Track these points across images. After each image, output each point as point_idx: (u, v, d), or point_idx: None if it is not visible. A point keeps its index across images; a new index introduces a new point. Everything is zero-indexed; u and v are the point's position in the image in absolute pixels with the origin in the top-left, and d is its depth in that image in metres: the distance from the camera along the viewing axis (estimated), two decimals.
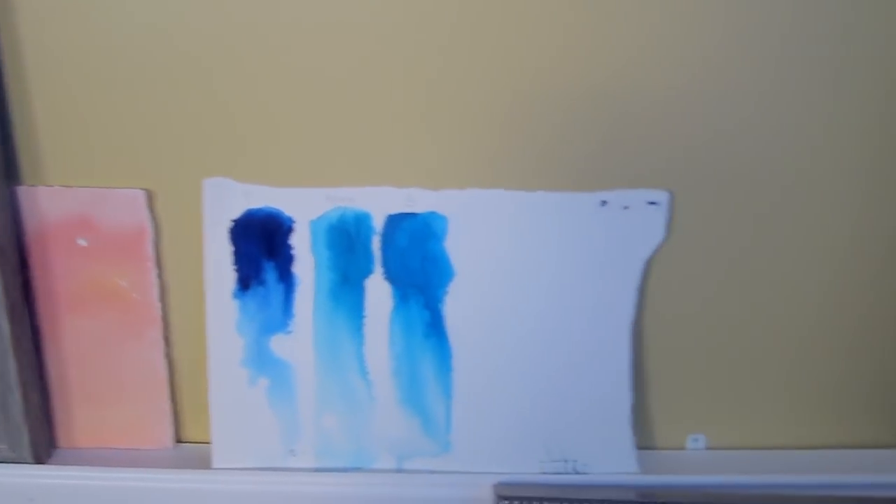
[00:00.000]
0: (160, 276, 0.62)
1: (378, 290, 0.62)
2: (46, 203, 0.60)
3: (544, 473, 0.64)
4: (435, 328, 0.63)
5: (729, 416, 0.67)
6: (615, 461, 0.64)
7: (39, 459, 0.64)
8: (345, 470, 0.65)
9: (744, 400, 0.66)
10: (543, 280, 0.60)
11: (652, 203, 0.59)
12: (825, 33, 0.55)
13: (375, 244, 0.61)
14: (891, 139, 0.58)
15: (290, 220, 0.61)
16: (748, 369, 0.65)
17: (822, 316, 0.64)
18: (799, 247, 0.61)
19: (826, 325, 0.64)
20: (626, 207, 0.59)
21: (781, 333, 0.64)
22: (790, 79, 0.56)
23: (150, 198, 0.60)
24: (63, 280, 0.62)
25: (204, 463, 0.65)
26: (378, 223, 0.61)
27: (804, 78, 0.56)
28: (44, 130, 0.59)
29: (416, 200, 0.60)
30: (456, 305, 0.62)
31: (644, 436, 0.66)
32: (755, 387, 0.66)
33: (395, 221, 0.61)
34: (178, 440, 0.68)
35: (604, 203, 0.59)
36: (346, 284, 0.62)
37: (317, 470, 0.64)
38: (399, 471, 0.65)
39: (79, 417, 0.66)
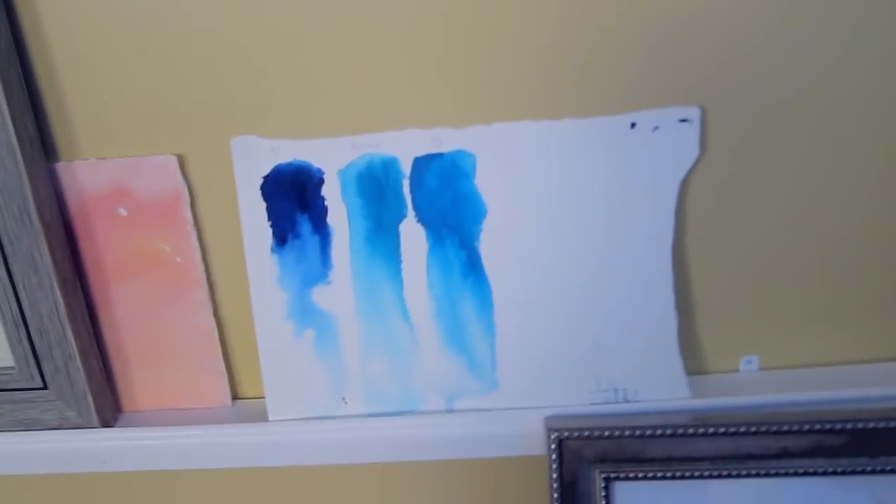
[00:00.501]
0: (200, 238, 0.64)
1: (412, 234, 0.62)
2: (84, 177, 0.61)
3: (594, 404, 0.64)
4: (472, 267, 0.62)
5: (781, 337, 0.65)
6: (666, 387, 0.63)
7: (106, 423, 0.67)
8: (395, 414, 0.66)
9: (794, 319, 0.65)
10: (578, 209, 0.59)
11: (683, 120, 0.57)
12: None
13: (405, 188, 0.61)
14: None
15: (320, 172, 0.61)
16: (795, 287, 0.63)
17: (866, 228, 0.61)
18: (837, 158, 0.59)
19: (869, 237, 0.61)
20: (656, 128, 0.57)
21: (826, 248, 0.62)
22: None
23: (182, 162, 0.61)
24: (108, 250, 0.64)
25: (261, 416, 0.66)
26: (406, 166, 0.60)
27: None
28: (74, 105, 0.60)
29: (442, 140, 0.60)
30: (491, 243, 0.61)
31: (695, 361, 0.65)
32: (804, 304, 0.64)
33: (422, 163, 0.60)
34: (235, 397, 0.70)
35: (633, 125, 0.57)
36: (380, 230, 0.62)
37: (368, 415, 0.66)
38: (449, 411, 0.65)
39: (139, 381, 0.68)
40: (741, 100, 0.57)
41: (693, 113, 0.57)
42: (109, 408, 0.67)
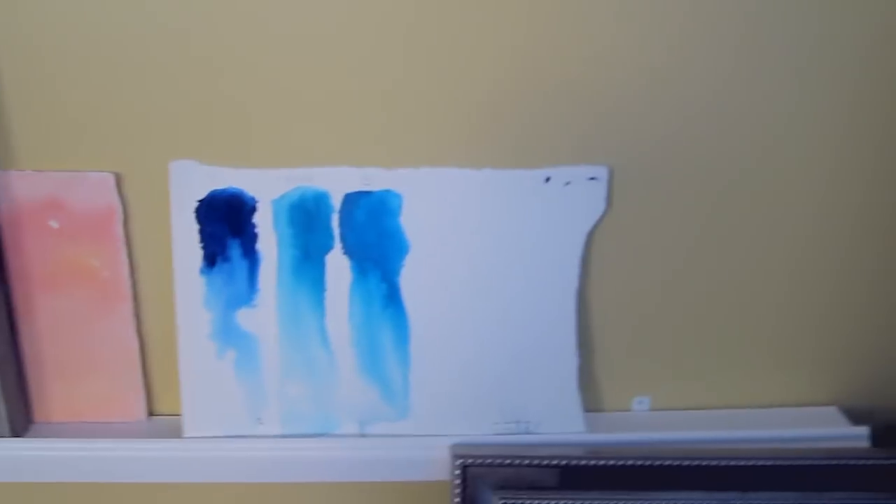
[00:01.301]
0: (130, 255, 0.65)
1: (338, 265, 0.65)
2: (19, 187, 0.62)
3: (498, 434, 0.68)
4: (392, 300, 0.66)
5: (671, 380, 0.71)
6: (564, 422, 0.68)
7: (17, 433, 0.66)
8: (309, 436, 0.68)
9: (683, 365, 0.71)
10: (493, 252, 0.64)
11: (592, 178, 0.63)
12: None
13: (334, 221, 0.65)
14: (827, 118, 0.62)
15: (253, 200, 0.64)
16: (686, 336, 0.70)
17: (757, 279, 0.68)
18: (728, 215, 0.66)
19: (761, 288, 0.68)
20: (567, 183, 0.63)
21: (719, 298, 0.69)
22: (715, 60, 0.61)
23: (119, 180, 0.63)
24: (36, 261, 0.64)
25: (175, 433, 0.67)
26: (336, 201, 0.64)
27: (731, 57, 0.60)
28: (15, 115, 0.61)
29: (373, 179, 0.64)
30: (412, 278, 0.65)
31: (592, 399, 0.70)
32: (693, 352, 0.70)
33: (352, 199, 0.64)
34: (151, 413, 0.70)
35: (547, 179, 0.63)
36: (308, 260, 0.66)
37: (283, 436, 0.68)
38: (361, 436, 0.68)
39: (54, 392, 0.68)
40: (644, 162, 0.63)
41: (601, 172, 0.63)
42: (21, 417, 0.67)
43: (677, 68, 0.60)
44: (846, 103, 0.62)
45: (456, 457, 0.65)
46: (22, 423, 0.68)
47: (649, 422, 0.71)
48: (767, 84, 0.61)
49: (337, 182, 0.64)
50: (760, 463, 0.65)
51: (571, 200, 0.63)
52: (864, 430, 0.69)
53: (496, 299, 0.65)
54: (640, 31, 0.59)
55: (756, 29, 0.59)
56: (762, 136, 0.63)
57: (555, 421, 0.68)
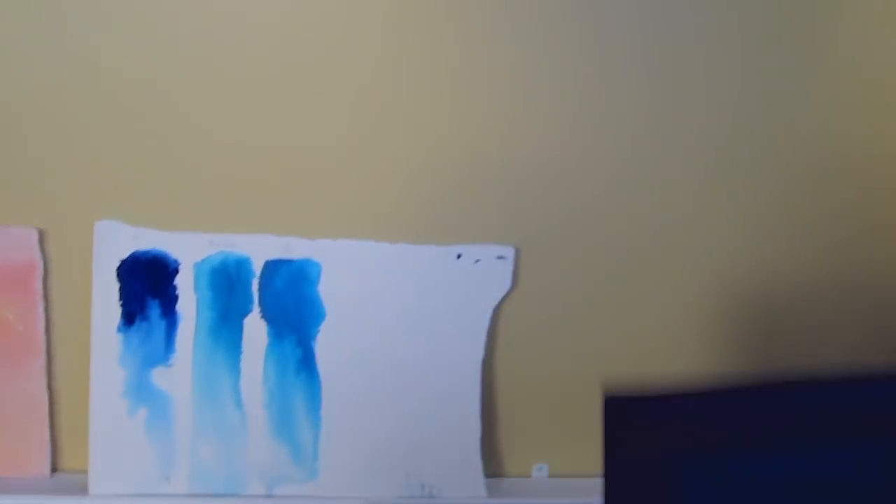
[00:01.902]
0: (47, 310, 0.66)
1: (255, 329, 0.68)
2: None
3: (402, 497, 0.70)
4: (306, 364, 0.69)
5: (570, 447, 0.75)
6: (466, 486, 0.71)
7: None
8: (216, 496, 0.68)
9: (584, 431, 0.75)
10: (405, 322, 0.68)
11: (501, 257, 0.68)
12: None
13: (254, 286, 0.67)
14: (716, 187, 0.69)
15: (176, 262, 0.66)
16: (583, 407, 0.74)
17: (653, 348, 0.72)
18: (630, 285, 0.71)
19: (657, 358, 0.73)
20: (477, 260, 0.68)
21: (616, 367, 0.72)
22: (613, 142, 0.67)
23: (42, 236, 0.64)
24: None
25: (82, 490, 0.67)
26: (257, 267, 0.67)
27: (629, 138, 0.67)
28: None
29: (293, 248, 0.67)
30: (326, 344, 0.68)
31: (494, 465, 0.74)
32: (594, 419, 0.74)
33: (273, 266, 0.67)
34: (58, 469, 0.70)
35: (459, 256, 0.67)
36: (226, 322, 0.68)
37: (190, 495, 0.68)
38: (268, 496, 0.69)
39: None
40: (548, 239, 0.68)
41: (509, 252, 0.68)
42: None
43: (578, 151, 0.66)
44: (739, 180, 0.69)
45: None
46: None
47: (548, 488, 0.74)
48: (661, 164, 0.68)
49: (259, 249, 0.67)
50: None
51: (480, 277, 0.68)
52: None
53: (405, 367, 0.69)
54: (545, 117, 0.65)
55: (649, 115, 0.66)
56: (658, 212, 0.69)
57: (457, 486, 0.71)
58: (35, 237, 0.64)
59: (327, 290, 0.67)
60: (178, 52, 0.62)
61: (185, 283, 0.67)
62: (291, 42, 0.63)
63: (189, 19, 0.62)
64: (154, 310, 0.67)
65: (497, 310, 0.69)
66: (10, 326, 0.66)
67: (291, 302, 0.67)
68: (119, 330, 0.67)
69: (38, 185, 0.64)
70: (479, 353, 0.69)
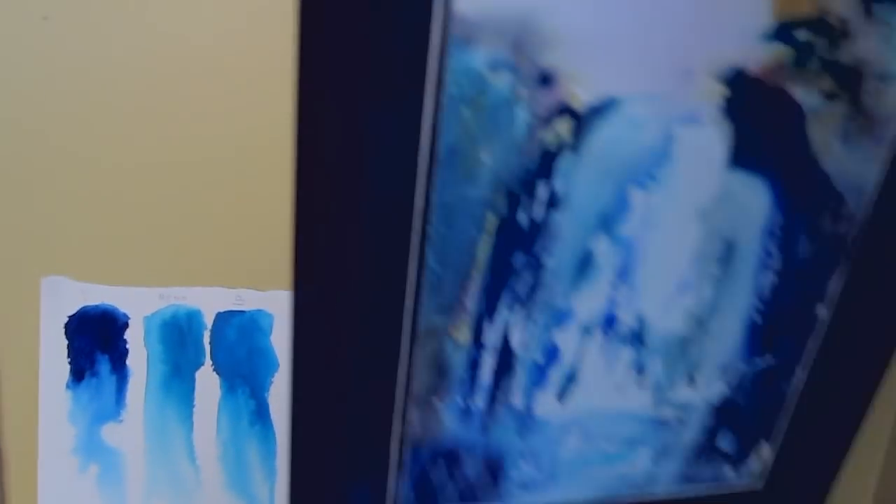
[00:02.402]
0: None
1: (207, 381, 0.65)
2: None
3: None
4: (260, 416, 0.68)
5: None
6: None
7: None
8: None
9: None
10: None
11: None
12: None
13: (206, 339, 0.66)
14: None
15: (125, 317, 0.65)
16: None
17: None
18: None
19: None
20: None
21: None
22: None
23: None
24: None
25: None
26: (209, 319, 0.66)
27: None
28: None
29: (245, 299, 0.66)
30: (280, 395, 0.68)
31: None
32: None
33: (224, 318, 0.66)
34: None
35: None
36: (177, 376, 0.67)
37: None
38: None
39: None
40: None
41: None
42: None
43: None
44: None
45: None
46: None
47: None
48: None
49: (210, 301, 0.66)
50: None
51: None
52: None
53: None
54: None
55: None
56: None
57: None
58: None
59: (280, 341, 0.66)
60: (116, 105, 0.61)
61: (135, 338, 0.64)
62: (237, 103, 0.62)
63: (131, 79, 0.61)
64: (104, 365, 0.65)
65: None
66: None
67: (244, 353, 0.65)
68: (68, 387, 0.64)
69: None
70: None
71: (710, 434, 0.69)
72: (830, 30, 0.52)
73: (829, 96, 0.55)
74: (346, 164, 0.46)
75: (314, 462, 0.55)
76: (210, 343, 0.66)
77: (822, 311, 0.66)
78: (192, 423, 0.67)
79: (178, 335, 0.66)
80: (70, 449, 0.66)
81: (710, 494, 0.74)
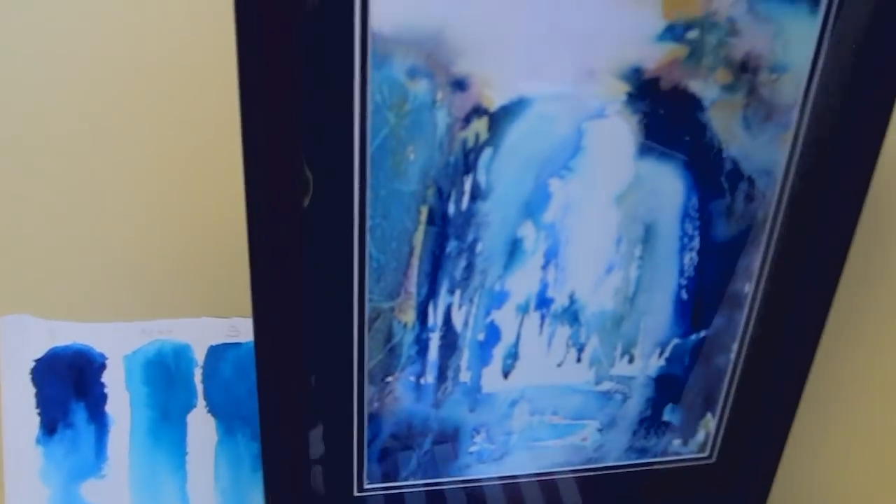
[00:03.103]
0: None
1: (201, 425, 0.62)
2: None
3: None
4: None
5: None
6: None
7: None
8: None
9: None
10: None
11: None
12: None
13: (197, 377, 0.61)
14: None
15: (102, 357, 0.60)
16: None
17: None
18: None
19: None
20: None
21: None
22: None
23: None
24: None
25: None
26: (199, 355, 0.61)
27: None
28: None
29: (241, 329, 0.61)
30: None
31: None
32: None
33: (218, 352, 0.61)
34: None
35: None
36: (166, 421, 0.62)
37: None
38: None
39: None
40: None
41: None
42: None
43: None
44: None
45: None
46: None
47: None
48: None
49: (200, 334, 0.60)
50: None
51: None
52: None
53: None
54: None
55: None
56: None
57: None
58: None
59: None
60: (82, 117, 0.57)
61: (114, 380, 0.60)
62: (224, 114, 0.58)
63: (107, 90, 0.58)
64: (80, 414, 0.60)
65: None
66: None
67: (242, 391, 0.62)
68: (38, 442, 0.60)
69: None
70: None
71: (655, 407, 0.75)
72: (718, 28, 0.58)
73: (727, 88, 0.61)
74: (290, 168, 0.53)
75: (283, 446, 0.61)
76: (202, 381, 0.62)
77: (748, 287, 0.72)
78: (185, 473, 0.62)
79: (166, 374, 0.61)
80: None
81: (665, 468, 0.79)
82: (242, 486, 0.62)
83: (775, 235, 0.70)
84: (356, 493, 0.66)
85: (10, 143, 0.53)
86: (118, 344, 0.59)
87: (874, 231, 0.77)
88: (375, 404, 0.64)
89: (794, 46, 0.61)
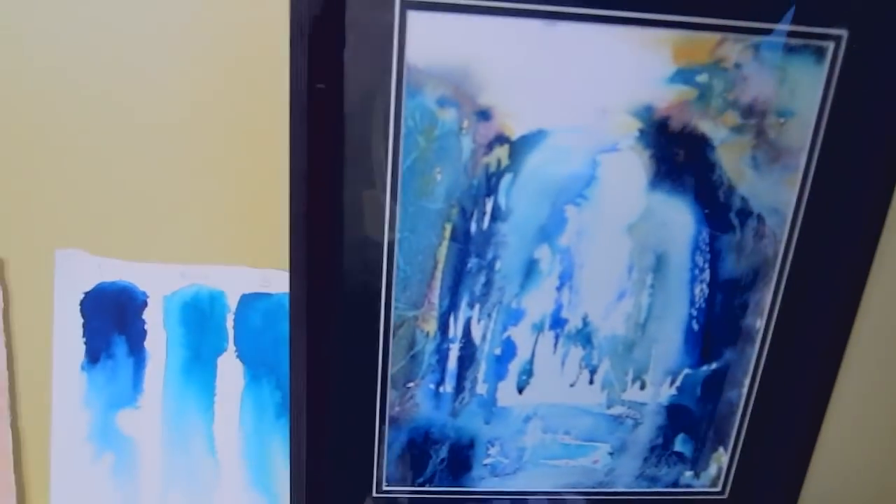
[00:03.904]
0: (9, 344, 0.64)
1: (230, 369, 0.66)
2: None
3: None
4: (287, 409, 0.67)
5: None
6: None
7: None
8: None
9: None
10: None
11: None
12: None
13: (229, 322, 0.65)
14: None
15: (144, 295, 0.65)
16: None
17: None
18: None
19: None
20: None
21: None
22: None
23: (2, 265, 0.63)
24: None
25: None
26: (232, 302, 0.65)
27: None
28: None
29: (272, 281, 0.65)
30: None
31: None
32: None
33: (249, 301, 0.65)
34: None
35: None
36: (198, 361, 0.66)
37: None
38: None
39: None
40: None
41: None
42: None
43: None
44: None
45: None
46: None
47: None
48: None
49: (234, 282, 0.65)
50: None
51: None
52: None
53: None
54: None
55: None
56: None
57: None
58: None
59: None
60: (144, 68, 0.60)
61: (153, 318, 0.65)
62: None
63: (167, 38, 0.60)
64: (120, 347, 0.65)
65: None
66: None
67: (269, 340, 0.66)
68: (83, 368, 0.65)
69: None
70: None
71: (666, 436, 0.79)
72: (725, 73, 0.65)
73: (735, 129, 0.68)
74: (331, 181, 0.61)
75: (311, 443, 0.67)
76: (233, 327, 0.65)
77: (759, 323, 0.77)
78: (213, 414, 0.67)
79: (200, 318, 0.65)
80: (84, 435, 0.67)
81: (676, 499, 0.83)
82: (265, 432, 0.67)
83: (786, 273, 0.75)
84: (375, 494, 0.72)
85: (70, 98, 0.59)
86: (159, 284, 0.63)
87: (891, 271, 0.78)
88: (396, 408, 0.70)
89: (801, 93, 0.67)
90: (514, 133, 0.63)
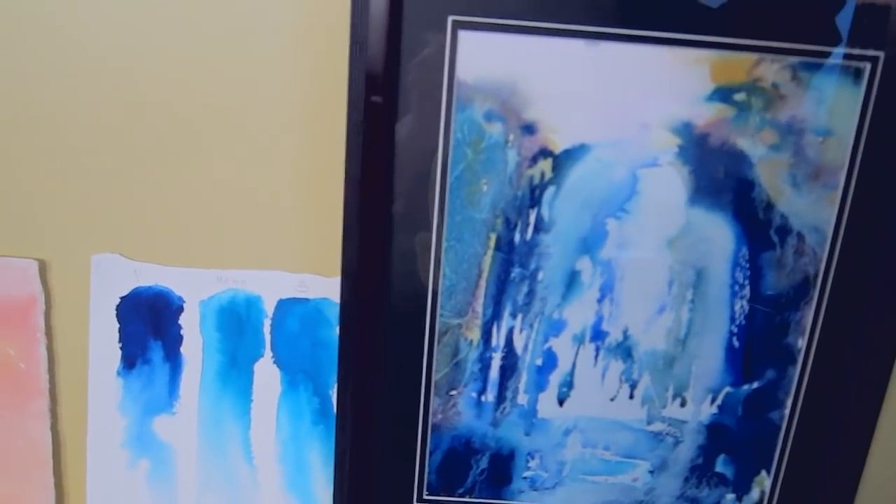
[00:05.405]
0: (49, 347, 0.69)
1: (267, 375, 0.71)
2: None
3: None
4: (324, 415, 0.73)
5: None
6: None
7: None
8: None
9: None
10: None
11: None
12: None
13: (266, 328, 0.70)
14: None
15: (180, 300, 0.69)
16: None
17: None
18: None
19: None
20: None
21: None
22: None
23: (43, 268, 0.67)
24: None
25: None
26: (269, 307, 0.70)
27: None
28: None
29: (309, 286, 0.70)
30: None
31: None
32: None
33: (286, 306, 0.70)
34: None
35: None
36: (235, 367, 0.70)
37: None
38: None
39: None
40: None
41: None
42: None
43: None
44: None
45: None
46: None
47: None
48: None
49: (271, 287, 0.70)
50: None
51: None
52: None
53: None
54: None
55: None
56: None
57: None
58: (35, 269, 0.68)
59: None
60: (187, 75, 0.64)
61: (190, 323, 0.69)
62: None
63: (204, 47, 0.65)
64: (157, 352, 0.69)
65: None
66: (13, 363, 0.69)
67: (307, 346, 0.70)
68: (119, 374, 0.70)
69: (37, 215, 0.66)
70: None
71: (707, 456, 0.84)
72: (763, 93, 0.72)
73: (773, 147, 0.74)
74: (382, 190, 0.69)
75: (355, 451, 0.73)
76: (270, 333, 0.70)
77: (801, 342, 0.82)
78: (249, 420, 0.72)
79: (237, 323, 0.69)
80: (120, 441, 0.72)
81: None
82: (302, 438, 0.70)
83: (827, 292, 0.80)
84: (416, 503, 0.78)
85: (110, 104, 0.62)
86: (195, 289, 0.66)
87: None
88: (439, 416, 0.76)
89: (839, 112, 0.73)
90: (558, 147, 0.70)
